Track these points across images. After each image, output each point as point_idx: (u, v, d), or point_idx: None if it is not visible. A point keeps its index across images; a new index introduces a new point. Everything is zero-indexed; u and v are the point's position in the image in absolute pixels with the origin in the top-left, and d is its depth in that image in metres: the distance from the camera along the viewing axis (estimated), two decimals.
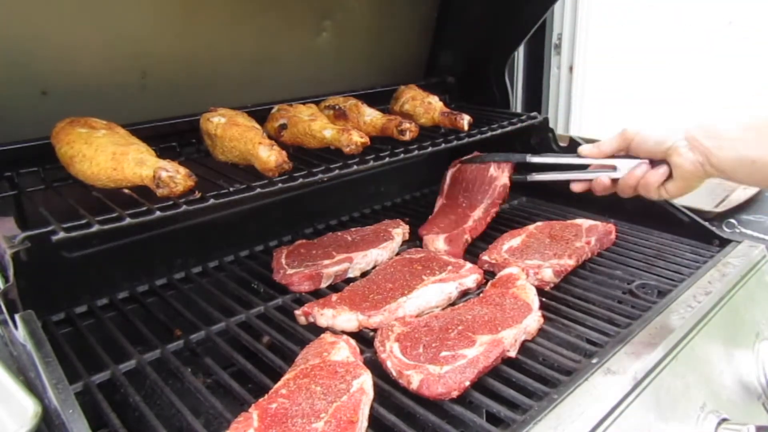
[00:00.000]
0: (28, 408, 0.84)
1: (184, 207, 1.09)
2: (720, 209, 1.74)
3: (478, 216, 1.65)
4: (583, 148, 1.33)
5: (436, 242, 1.57)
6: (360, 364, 1.04)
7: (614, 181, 1.30)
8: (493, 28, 1.97)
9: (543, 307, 1.26)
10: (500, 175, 1.70)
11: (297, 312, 1.27)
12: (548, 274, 1.36)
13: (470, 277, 1.36)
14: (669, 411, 1.06)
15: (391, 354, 1.08)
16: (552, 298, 1.32)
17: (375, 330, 1.19)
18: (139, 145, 1.16)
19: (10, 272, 0.93)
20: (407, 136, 1.44)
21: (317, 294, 1.37)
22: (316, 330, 1.22)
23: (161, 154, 1.19)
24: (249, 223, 1.65)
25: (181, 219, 1.49)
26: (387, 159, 1.39)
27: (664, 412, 1.04)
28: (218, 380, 1.09)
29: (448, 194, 1.79)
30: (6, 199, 1.22)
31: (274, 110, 1.51)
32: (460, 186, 1.77)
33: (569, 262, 1.40)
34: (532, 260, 1.42)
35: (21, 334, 0.94)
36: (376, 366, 1.07)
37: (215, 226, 1.56)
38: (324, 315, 1.23)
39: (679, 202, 1.64)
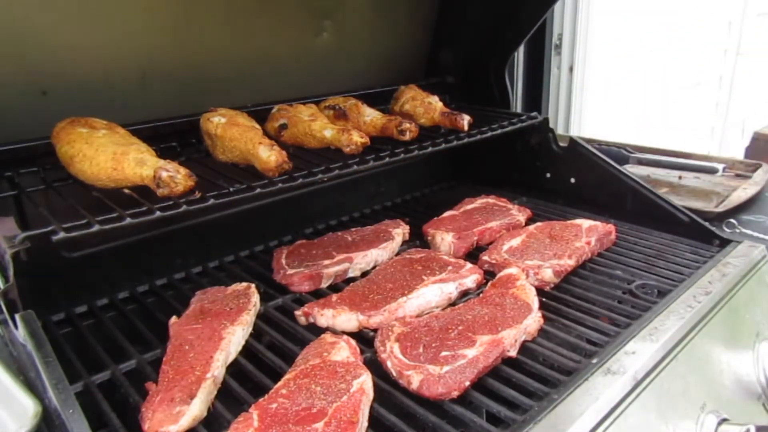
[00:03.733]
0: (28, 408, 0.84)
1: (184, 207, 1.09)
2: (720, 209, 1.74)
3: (492, 226, 1.64)
4: None
5: (445, 236, 1.56)
6: (360, 364, 1.04)
7: None
8: (493, 29, 1.97)
9: (543, 307, 1.26)
10: (518, 214, 1.73)
11: (297, 312, 1.27)
12: (548, 274, 1.36)
13: (470, 277, 1.36)
14: (669, 411, 1.06)
15: (392, 354, 1.08)
16: (552, 298, 1.32)
17: (375, 330, 1.19)
18: (139, 145, 1.16)
19: (10, 272, 0.94)
20: (407, 136, 1.44)
21: (317, 294, 1.37)
22: (316, 330, 1.22)
23: (161, 154, 1.19)
24: (249, 223, 1.65)
25: (182, 219, 1.49)
26: (387, 159, 1.39)
27: (664, 412, 1.04)
28: None
29: (463, 211, 1.77)
30: (6, 199, 1.22)
31: (274, 110, 1.51)
32: (478, 210, 1.76)
33: (569, 262, 1.40)
34: (532, 260, 1.42)
35: (21, 334, 0.94)
36: (376, 366, 1.07)
37: (215, 226, 1.56)
38: (324, 315, 1.23)
39: (679, 202, 1.64)
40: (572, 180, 1.84)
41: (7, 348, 1.00)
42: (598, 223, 1.59)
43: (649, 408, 1.02)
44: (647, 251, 1.51)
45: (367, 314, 1.22)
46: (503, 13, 1.91)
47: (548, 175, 1.91)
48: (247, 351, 1.16)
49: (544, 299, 1.30)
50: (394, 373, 1.05)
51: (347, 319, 1.22)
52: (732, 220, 1.69)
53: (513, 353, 1.11)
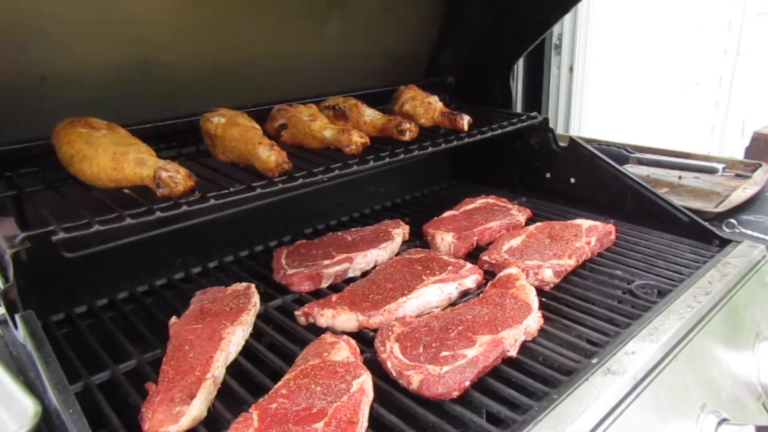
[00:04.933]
0: (28, 408, 0.84)
1: (184, 207, 1.09)
2: (720, 209, 1.74)
3: (492, 226, 1.64)
4: None
5: (445, 236, 1.56)
6: (360, 364, 1.04)
7: None
8: (494, 30, 1.97)
9: (543, 307, 1.26)
10: (518, 214, 1.74)
11: (297, 312, 1.27)
12: (548, 275, 1.36)
13: (470, 278, 1.36)
14: (669, 411, 1.06)
15: (392, 354, 1.08)
16: (552, 298, 1.32)
17: (375, 330, 1.19)
18: (139, 145, 1.16)
19: (10, 272, 0.94)
20: (407, 136, 1.44)
21: (317, 294, 1.37)
22: (316, 330, 1.22)
23: (161, 154, 1.19)
24: (249, 223, 1.65)
25: (181, 219, 1.49)
26: (387, 159, 1.40)
27: (664, 412, 1.04)
28: None
29: (463, 211, 1.76)
30: (6, 199, 1.22)
31: (274, 110, 1.51)
32: (478, 210, 1.76)
33: (569, 262, 1.40)
34: (532, 260, 1.42)
35: (21, 334, 0.94)
36: (376, 366, 1.07)
37: (215, 226, 1.56)
38: (324, 315, 1.23)
39: (679, 202, 1.64)
40: (572, 180, 1.84)
41: (7, 348, 1.00)
42: (598, 223, 1.59)
43: (649, 408, 1.02)
44: (647, 251, 1.51)
45: (367, 314, 1.22)
46: (504, 15, 1.91)
47: (548, 175, 1.91)
48: (247, 351, 1.16)
49: (544, 299, 1.30)
50: (394, 373, 1.05)
51: (347, 319, 1.22)
52: (732, 220, 1.69)
53: (513, 353, 1.11)
